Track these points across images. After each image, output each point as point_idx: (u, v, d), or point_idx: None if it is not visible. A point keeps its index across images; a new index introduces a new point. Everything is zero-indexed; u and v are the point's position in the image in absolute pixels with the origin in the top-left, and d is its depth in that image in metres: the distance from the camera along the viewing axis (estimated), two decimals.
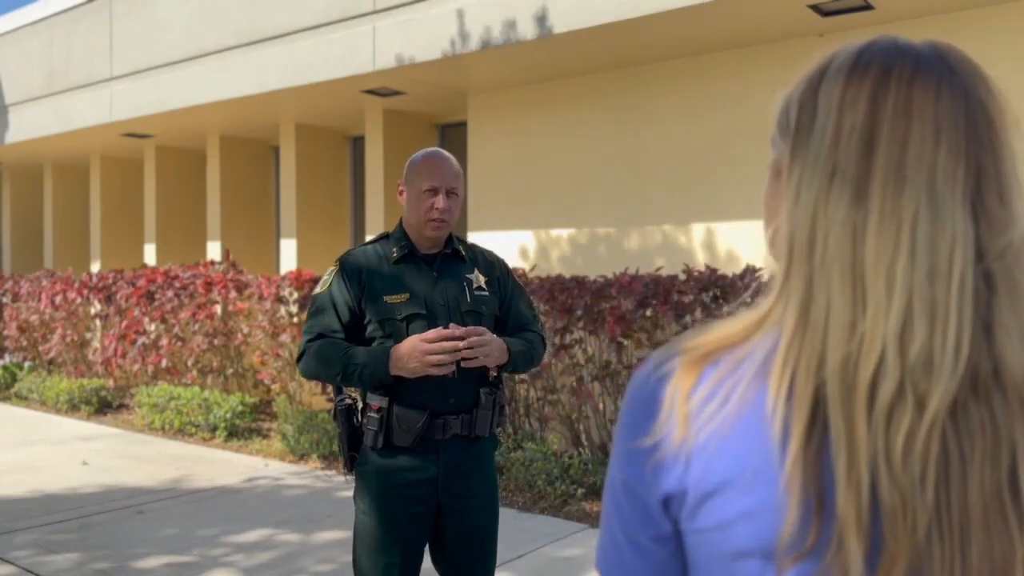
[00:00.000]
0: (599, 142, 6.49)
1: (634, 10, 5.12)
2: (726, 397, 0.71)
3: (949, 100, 0.67)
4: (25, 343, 10.11)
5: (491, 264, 2.57)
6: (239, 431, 7.19)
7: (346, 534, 3.82)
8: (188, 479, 5.85)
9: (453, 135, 8.16)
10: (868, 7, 4.91)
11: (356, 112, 7.99)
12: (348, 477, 2.48)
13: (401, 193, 2.50)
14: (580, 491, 5.11)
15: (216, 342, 7.71)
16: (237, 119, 8.60)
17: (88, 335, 9.29)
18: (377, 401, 2.35)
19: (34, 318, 9.76)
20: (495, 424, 2.46)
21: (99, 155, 11.07)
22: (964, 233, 0.65)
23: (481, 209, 7.13)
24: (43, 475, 5.93)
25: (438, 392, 2.34)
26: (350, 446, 2.42)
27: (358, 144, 9.04)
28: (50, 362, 9.75)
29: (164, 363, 7.95)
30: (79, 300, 9.15)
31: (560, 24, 5.46)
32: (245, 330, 7.50)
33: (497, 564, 2.55)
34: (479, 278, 2.50)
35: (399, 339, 2.33)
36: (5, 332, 10.35)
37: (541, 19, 5.52)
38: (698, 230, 6.02)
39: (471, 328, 2.31)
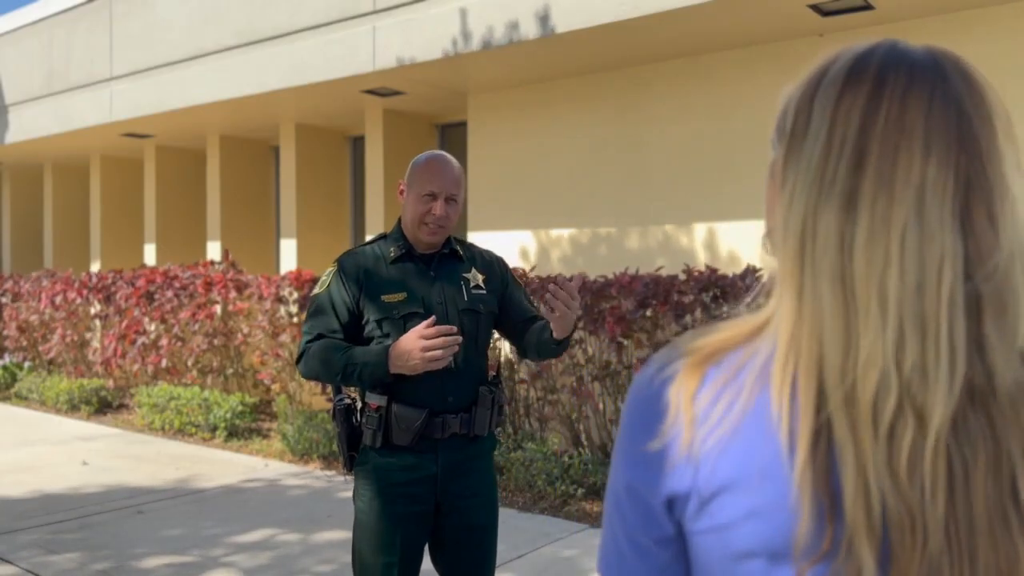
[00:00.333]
0: (599, 142, 6.48)
1: (634, 10, 5.12)
2: (731, 399, 0.71)
3: (941, 113, 0.68)
4: (25, 343, 10.11)
5: (489, 263, 2.57)
6: (239, 431, 7.19)
7: (346, 534, 3.82)
8: (188, 479, 5.85)
9: (453, 135, 8.16)
10: (868, 7, 4.91)
11: (356, 112, 7.99)
12: (348, 477, 2.48)
13: (402, 193, 2.50)
14: (580, 491, 5.11)
15: (216, 342, 7.71)
16: (237, 119, 8.60)
17: (88, 335, 9.29)
18: (376, 400, 2.35)
19: (34, 318, 9.77)
20: (494, 423, 2.46)
21: (99, 155, 11.08)
22: (953, 248, 0.66)
23: (481, 209, 7.12)
24: (43, 475, 5.93)
25: (437, 391, 2.35)
26: (349, 446, 2.42)
27: (358, 144, 9.04)
28: (50, 362, 9.75)
29: (164, 363, 7.95)
30: (79, 300, 9.15)
31: (561, 24, 5.46)
32: (245, 330, 7.50)
33: (497, 564, 2.55)
34: (477, 277, 2.50)
35: (397, 338, 2.33)
36: (5, 332, 10.35)
37: (543, 19, 5.52)
38: (699, 230, 6.01)
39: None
